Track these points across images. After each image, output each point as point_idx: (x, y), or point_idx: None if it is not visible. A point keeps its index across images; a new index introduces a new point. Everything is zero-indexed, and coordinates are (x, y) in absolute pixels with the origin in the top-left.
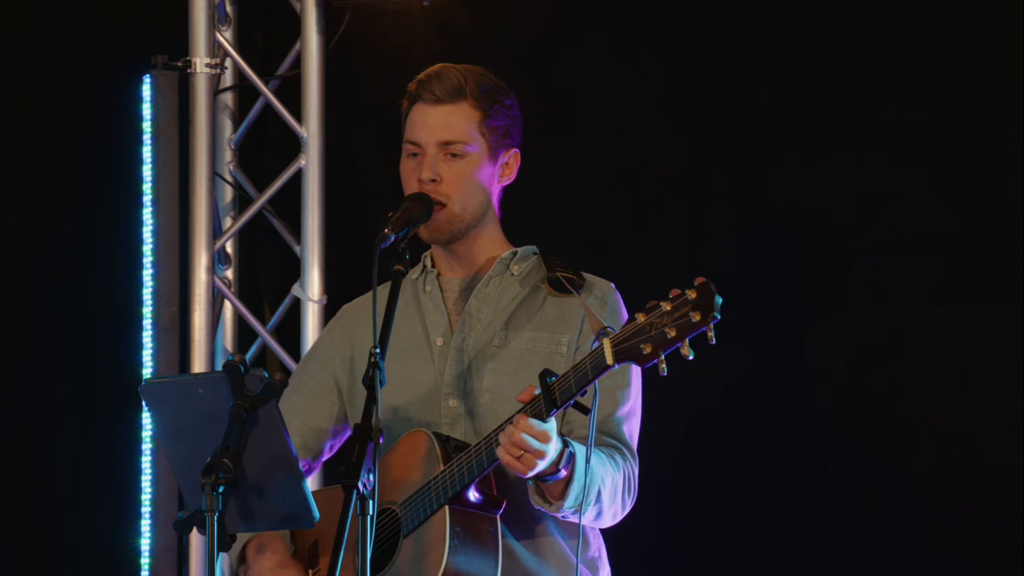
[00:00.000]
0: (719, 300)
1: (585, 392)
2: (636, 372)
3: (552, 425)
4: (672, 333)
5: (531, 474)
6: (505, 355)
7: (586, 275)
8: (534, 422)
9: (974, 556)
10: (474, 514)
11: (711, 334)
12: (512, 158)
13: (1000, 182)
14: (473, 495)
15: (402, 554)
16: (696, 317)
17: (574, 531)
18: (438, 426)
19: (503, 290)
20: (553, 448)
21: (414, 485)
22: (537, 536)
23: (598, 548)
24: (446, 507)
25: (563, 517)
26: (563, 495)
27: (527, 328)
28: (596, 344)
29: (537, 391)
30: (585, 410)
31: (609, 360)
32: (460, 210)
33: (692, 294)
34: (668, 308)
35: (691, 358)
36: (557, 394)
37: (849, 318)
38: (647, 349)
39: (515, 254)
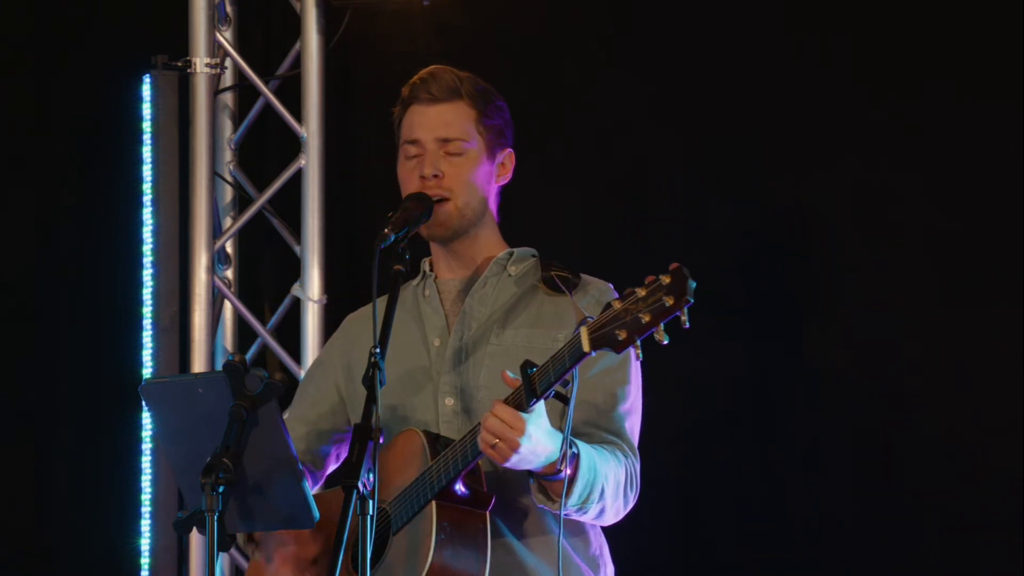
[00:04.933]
0: (693, 284)
1: (568, 383)
2: (636, 369)
3: (535, 417)
4: (646, 318)
5: (508, 463)
6: (502, 352)
7: (584, 276)
8: (507, 409)
9: (974, 556)
10: (462, 510)
11: (684, 318)
12: (507, 158)
13: (1000, 182)
14: (460, 490)
15: (392, 551)
16: (669, 301)
17: (576, 529)
18: (435, 424)
19: (500, 290)
20: (539, 440)
21: (405, 483)
22: (534, 533)
23: (599, 546)
24: (433, 503)
25: (566, 515)
26: (567, 494)
27: (524, 325)
28: (576, 332)
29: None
30: (566, 400)
31: (586, 347)
32: (462, 205)
33: (666, 279)
34: (643, 294)
35: (665, 343)
36: (537, 384)
37: (849, 318)
38: (622, 335)
39: (511, 254)
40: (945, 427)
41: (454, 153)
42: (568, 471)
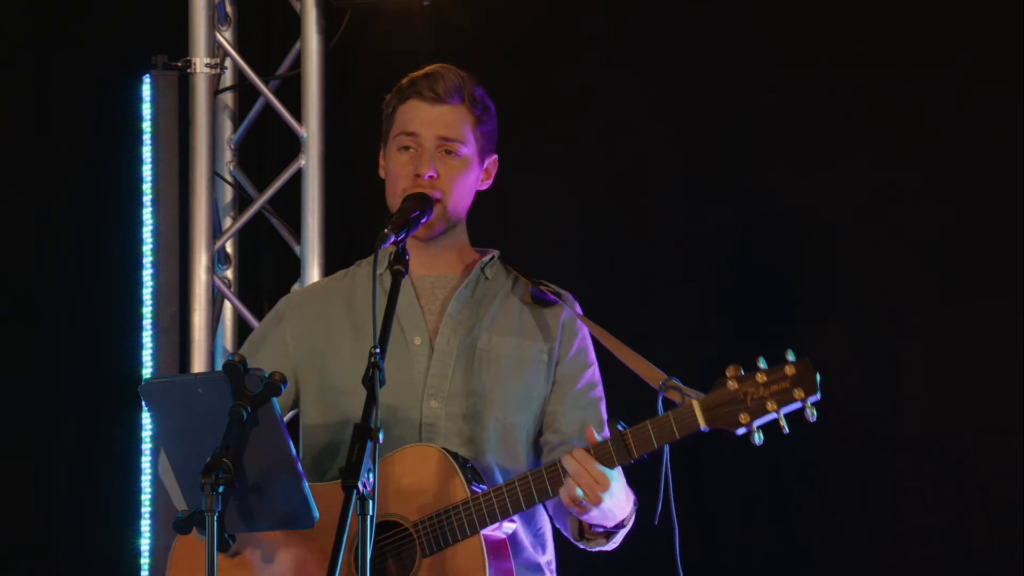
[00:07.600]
0: (819, 378)
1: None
2: (597, 369)
3: (617, 474)
4: (772, 406)
5: (584, 518)
6: (491, 359)
7: (552, 285)
8: (596, 467)
9: (974, 556)
10: (498, 540)
11: (812, 411)
12: (492, 165)
13: (1000, 182)
14: (506, 525)
15: (423, 573)
16: (799, 395)
17: (541, 541)
18: (416, 426)
19: (482, 294)
20: (619, 500)
21: (430, 503)
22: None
23: (552, 553)
24: (480, 535)
25: (588, 549)
26: (609, 538)
27: (511, 334)
28: (662, 395)
29: (599, 437)
30: (642, 460)
31: (701, 423)
32: (450, 208)
33: (790, 370)
34: (763, 380)
35: (786, 432)
36: (633, 445)
37: (849, 318)
38: (743, 418)
39: (492, 258)
40: (945, 427)
41: (450, 154)
42: (629, 525)
